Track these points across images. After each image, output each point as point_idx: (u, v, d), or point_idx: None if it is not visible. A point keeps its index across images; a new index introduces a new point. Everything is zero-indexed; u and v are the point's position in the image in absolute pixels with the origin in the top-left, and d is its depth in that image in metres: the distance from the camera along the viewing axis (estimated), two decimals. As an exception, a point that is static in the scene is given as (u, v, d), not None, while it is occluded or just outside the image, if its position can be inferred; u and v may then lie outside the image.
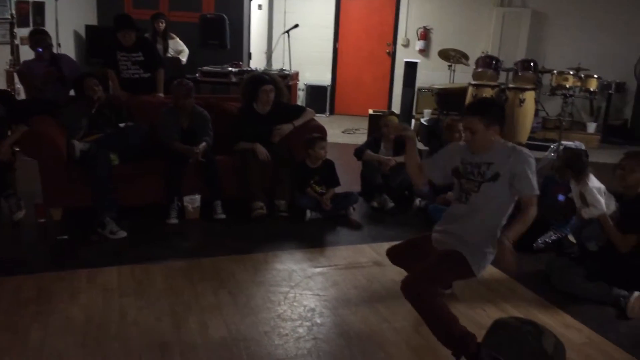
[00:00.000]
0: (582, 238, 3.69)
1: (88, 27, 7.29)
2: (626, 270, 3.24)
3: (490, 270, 3.51)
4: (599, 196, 3.47)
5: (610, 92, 8.44)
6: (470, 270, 2.56)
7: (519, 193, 2.53)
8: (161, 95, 5.19)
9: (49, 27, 6.19)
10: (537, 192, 2.53)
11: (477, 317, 2.90)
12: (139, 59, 5.09)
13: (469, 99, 7.08)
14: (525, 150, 2.56)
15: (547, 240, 3.88)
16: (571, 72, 6.94)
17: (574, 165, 3.64)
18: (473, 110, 2.59)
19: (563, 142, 6.82)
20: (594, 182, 3.59)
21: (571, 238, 3.93)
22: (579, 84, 6.96)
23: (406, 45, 9.48)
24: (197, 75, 6.92)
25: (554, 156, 5.71)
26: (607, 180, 3.63)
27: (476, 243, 2.58)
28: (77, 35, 7.29)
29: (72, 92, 4.66)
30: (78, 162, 4.00)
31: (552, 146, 6.85)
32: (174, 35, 7.02)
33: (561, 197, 3.87)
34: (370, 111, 7.67)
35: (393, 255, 2.99)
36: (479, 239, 2.58)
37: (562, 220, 3.93)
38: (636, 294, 3.09)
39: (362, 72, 9.74)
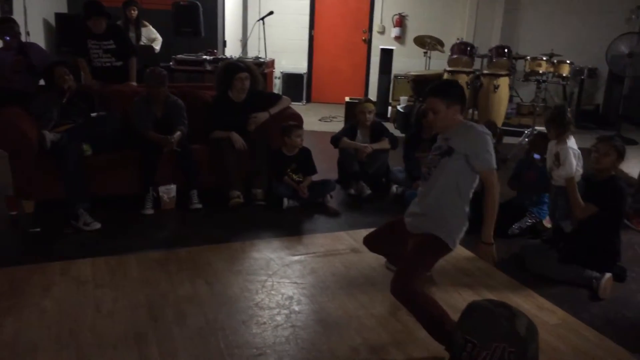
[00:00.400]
0: (557, 217, 3.76)
1: (58, 15, 7.12)
2: (598, 252, 3.31)
3: (464, 254, 3.57)
4: (572, 158, 3.56)
5: (582, 77, 8.57)
6: (447, 246, 2.60)
7: (476, 170, 2.57)
8: (134, 84, 5.11)
9: (17, 15, 6.03)
10: (494, 166, 2.55)
11: (452, 301, 2.93)
12: (110, 47, 5.00)
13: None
14: (480, 128, 2.61)
15: (522, 225, 3.93)
16: (544, 58, 7.00)
17: (558, 120, 3.70)
18: (435, 91, 2.66)
19: (537, 128, 6.91)
20: (572, 144, 3.67)
21: (546, 223, 3.99)
22: (551, 69, 7.03)
23: (382, 32, 9.48)
24: (171, 63, 6.82)
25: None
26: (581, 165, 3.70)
27: (442, 217, 2.61)
28: (46, 23, 7.12)
29: (42, 82, 4.56)
30: (49, 153, 3.93)
31: (526, 131, 6.94)
32: (147, 23, 6.89)
33: (537, 156, 3.95)
34: (347, 98, 7.66)
35: (370, 242, 3.02)
36: (443, 212, 2.61)
37: (535, 196, 3.98)
38: (607, 275, 3.16)
39: (338, 59, 9.71)
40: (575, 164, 3.56)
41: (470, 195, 2.64)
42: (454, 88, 2.70)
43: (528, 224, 3.94)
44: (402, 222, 2.81)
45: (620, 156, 3.28)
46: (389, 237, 2.95)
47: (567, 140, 3.67)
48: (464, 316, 1.91)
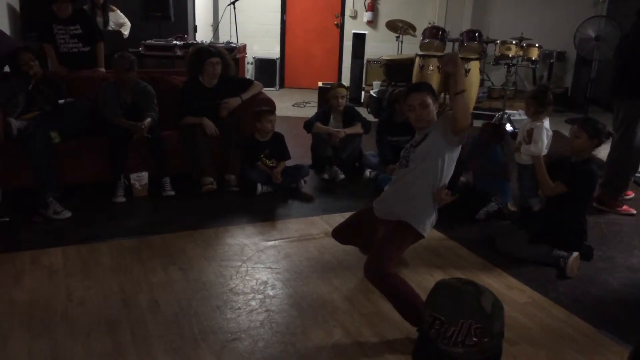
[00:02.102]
0: (525, 194, 3.83)
1: (22, 0, 6.93)
2: (565, 232, 3.39)
3: (436, 236, 3.62)
4: (544, 137, 3.64)
5: (551, 61, 8.69)
6: (418, 233, 2.66)
7: (450, 125, 2.58)
8: (102, 69, 5.02)
9: (-21, -1, 5.85)
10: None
11: (424, 282, 2.97)
12: (77, 32, 4.89)
13: (416, 69, 7.14)
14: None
15: (489, 210, 3.98)
16: (514, 42, 7.09)
17: (539, 99, 3.79)
18: (422, 88, 2.77)
19: (507, 111, 7.01)
20: (547, 124, 3.76)
21: (510, 206, 4.07)
22: (521, 53, 7.12)
23: (354, 16, 9.45)
24: (140, 49, 6.71)
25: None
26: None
27: (415, 203, 2.66)
28: (10, 8, 6.91)
29: (7, 68, 4.45)
30: (16, 141, 3.85)
31: (497, 115, 7.03)
32: (114, 8, 6.73)
33: (510, 129, 4.03)
34: (320, 84, 7.64)
35: (339, 235, 3.10)
36: (416, 197, 2.66)
37: (494, 183, 4.04)
38: (575, 254, 3.24)
39: (311, 44, 9.67)
40: (545, 144, 3.65)
41: (446, 181, 2.67)
42: (431, 86, 2.84)
43: (494, 208, 4.00)
44: (369, 212, 2.88)
45: (593, 138, 3.35)
46: (357, 228, 3.01)
47: (544, 120, 3.76)
48: (431, 294, 1.95)
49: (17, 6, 6.88)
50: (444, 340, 1.83)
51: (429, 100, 2.70)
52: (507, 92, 7.29)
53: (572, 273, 3.20)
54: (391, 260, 2.59)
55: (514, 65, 7.18)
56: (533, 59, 7.22)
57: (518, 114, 7.04)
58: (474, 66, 6.97)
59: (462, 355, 1.82)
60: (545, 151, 3.73)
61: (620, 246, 3.70)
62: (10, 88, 4.05)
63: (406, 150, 2.77)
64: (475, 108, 7.50)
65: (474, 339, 1.78)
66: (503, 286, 3.03)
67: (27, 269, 3.03)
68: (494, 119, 6.84)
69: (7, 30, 6.41)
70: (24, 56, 4.10)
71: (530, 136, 3.70)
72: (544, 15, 8.78)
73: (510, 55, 7.01)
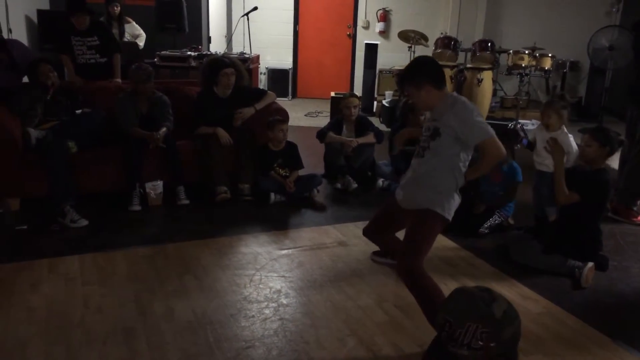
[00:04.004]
0: (543, 202, 3.79)
1: (40, 12, 7.05)
2: (580, 242, 3.37)
3: (449, 246, 3.62)
4: (572, 141, 3.59)
5: (564, 70, 8.67)
6: (443, 217, 2.59)
7: (469, 144, 2.55)
8: (119, 80, 5.09)
9: (-1, 11, 5.97)
10: (491, 133, 2.50)
11: (439, 292, 2.97)
12: (94, 44, 4.98)
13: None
14: (461, 100, 2.58)
15: (491, 224, 3.95)
16: (526, 52, 7.09)
17: (561, 102, 3.72)
18: (402, 79, 2.72)
19: (520, 121, 7.00)
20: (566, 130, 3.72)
21: (511, 220, 4.05)
22: (534, 63, 7.12)
23: (366, 27, 9.50)
24: (155, 59, 6.80)
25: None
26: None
27: (435, 190, 2.60)
28: (28, 20, 7.05)
29: (25, 79, 4.53)
30: (34, 150, 3.91)
31: (509, 125, 7.02)
32: (130, 20, 6.86)
33: (525, 142, 3.96)
34: (332, 94, 7.69)
35: (370, 232, 3.05)
36: (436, 185, 2.60)
37: (501, 192, 4.01)
38: (590, 264, 3.21)
39: (323, 54, 9.73)
40: (573, 142, 3.59)
41: (464, 170, 2.63)
42: (416, 69, 2.66)
43: (497, 222, 3.97)
44: (394, 203, 2.82)
45: (604, 146, 3.32)
46: (388, 222, 2.96)
47: (564, 127, 3.71)
48: (447, 298, 1.97)
49: (34, 18, 7.02)
50: (451, 342, 1.84)
51: (411, 91, 2.61)
52: (520, 102, 7.28)
53: (586, 283, 3.18)
54: (420, 254, 2.54)
55: (526, 75, 7.18)
56: (546, 68, 7.22)
57: (531, 124, 7.02)
58: (487, 76, 6.98)
59: (467, 358, 1.83)
60: (576, 152, 3.66)
61: (636, 256, 3.67)
62: (28, 99, 4.12)
63: (422, 141, 2.69)
64: (488, 118, 7.49)
65: (480, 342, 1.79)
66: (517, 296, 3.02)
67: (45, 276, 3.07)
68: (507, 128, 6.83)
69: (24, 41, 6.55)
70: (42, 67, 4.17)
71: (553, 145, 3.59)
72: (556, 25, 8.76)
73: (523, 65, 7.02)
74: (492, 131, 2.52)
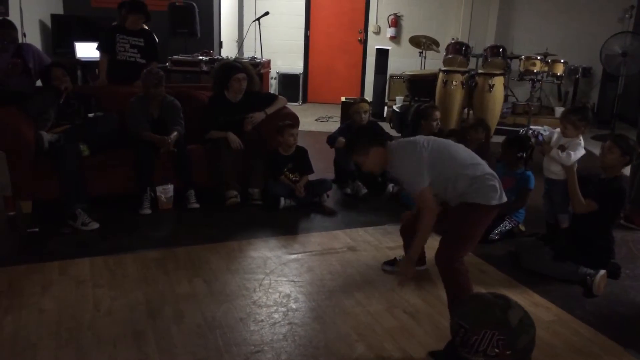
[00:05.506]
0: (555, 210, 3.76)
1: (54, 17, 7.13)
2: (592, 249, 3.34)
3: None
4: (579, 151, 3.56)
5: (577, 76, 8.61)
6: (487, 206, 2.55)
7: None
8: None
9: (13, 16, 6.03)
10: (419, 188, 2.51)
11: (449, 298, 2.95)
12: (139, 44, 5.03)
13: (439, 85, 7.14)
14: (397, 154, 2.61)
15: (502, 230, 3.92)
16: (538, 58, 7.06)
17: (580, 113, 3.65)
18: (350, 152, 2.77)
19: (532, 127, 6.95)
20: (582, 141, 3.68)
21: (522, 227, 4.03)
22: (546, 69, 7.09)
23: (377, 32, 9.50)
24: (167, 64, 6.83)
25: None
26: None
27: (464, 192, 2.56)
28: (42, 24, 7.12)
29: (39, 83, 4.57)
30: (47, 153, 3.94)
31: (521, 131, 6.97)
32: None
33: (540, 137, 3.93)
34: (343, 99, 7.69)
35: (404, 227, 3.05)
36: (462, 194, 2.57)
37: (516, 208, 3.98)
38: (601, 272, 3.19)
39: (334, 59, 9.74)
40: (576, 158, 3.55)
41: (469, 163, 2.60)
42: (358, 137, 2.75)
43: (507, 228, 3.94)
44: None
45: (625, 154, 3.31)
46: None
47: (581, 135, 3.67)
48: (462, 302, 1.97)
49: (48, 23, 7.09)
50: (465, 348, 1.84)
51: (361, 159, 2.68)
52: (532, 108, 7.24)
53: (598, 291, 3.15)
54: (466, 249, 2.59)
55: (538, 80, 7.14)
56: (558, 74, 7.18)
57: (543, 130, 6.98)
58: (498, 82, 6.95)
59: (482, 365, 1.83)
60: (576, 165, 3.63)
61: (649, 264, 3.63)
62: (42, 102, 4.16)
63: None
64: (499, 124, 7.46)
65: (496, 350, 1.78)
66: (528, 303, 3.00)
67: (56, 278, 3.09)
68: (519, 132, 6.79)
69: (38, 45, 6.61)
70: (55, 71, 4.21)
71: (564, 150, 3.57)
72: (569, 31, 8.71)
73: (535, 71, 6.98)
74: (421, 185, 2.52)
